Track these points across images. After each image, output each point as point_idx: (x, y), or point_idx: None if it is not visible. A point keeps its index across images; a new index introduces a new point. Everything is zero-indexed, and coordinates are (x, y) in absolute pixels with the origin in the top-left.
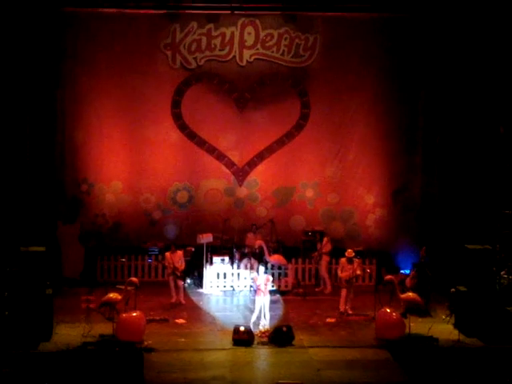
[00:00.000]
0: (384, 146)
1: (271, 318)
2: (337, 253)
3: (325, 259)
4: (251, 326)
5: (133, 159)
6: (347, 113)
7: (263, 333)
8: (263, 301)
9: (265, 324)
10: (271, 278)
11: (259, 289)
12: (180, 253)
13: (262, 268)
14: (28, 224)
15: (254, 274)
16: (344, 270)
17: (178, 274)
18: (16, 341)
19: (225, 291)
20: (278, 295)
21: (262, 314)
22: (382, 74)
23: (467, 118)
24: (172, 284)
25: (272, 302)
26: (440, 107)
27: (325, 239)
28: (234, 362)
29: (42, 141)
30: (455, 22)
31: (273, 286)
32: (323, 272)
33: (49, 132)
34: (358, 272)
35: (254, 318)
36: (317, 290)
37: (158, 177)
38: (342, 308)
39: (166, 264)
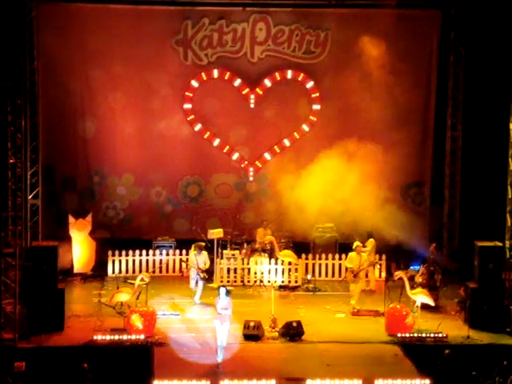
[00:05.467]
0: (395, 142)
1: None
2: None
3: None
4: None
5: (144, 153)
6: (358, 109)
7: (273, 328)
8: (222, 328)
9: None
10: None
11: (219, 313)
12: (205, 253)
13: (223, 290)
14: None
15: (216, 297)
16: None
17: (202, 276)
18: (28, 335)
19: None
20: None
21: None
22: (392, 70)
23: (479, 114)
24: (194, 284)
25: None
26: (452, 105)
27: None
28: (244, 357)
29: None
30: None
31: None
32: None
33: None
34: (365, 265)
35: (219, 345)
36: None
37: (169, 170)
38: (352, 303)
39: (191, 265)
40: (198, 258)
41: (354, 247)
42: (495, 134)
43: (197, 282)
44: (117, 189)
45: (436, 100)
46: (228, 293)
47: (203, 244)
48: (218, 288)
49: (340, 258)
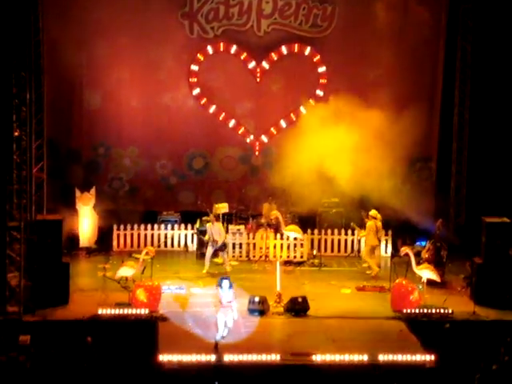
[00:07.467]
0: (401, 116)
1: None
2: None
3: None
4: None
5: (150, 125)
6: (365, 83)
7: (278, 303)
8: (226, 319)
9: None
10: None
11: (223, 306)
12: (219, 224)
13: (226, 283)
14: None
15: (218, 289)
16: None
17: (216, 247)
18: (33, 308)
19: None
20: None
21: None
22: (399, 45)
23: (487, 88)
24: (209, 254)
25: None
26: (460, 80)
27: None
28: (249, 332)
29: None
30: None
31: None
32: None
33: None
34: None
35: (218, 336)
36: None
37: (174, 143)
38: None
39: (206, 238)
40: (213, 230)
41: (370, 214)
42: (503, 108)
43: (216, 255)
44: (122, 160)
45: (444, 75)
46: (231, 286)
47: (212, 215)
48: (220, 280)
49: (346, 234)
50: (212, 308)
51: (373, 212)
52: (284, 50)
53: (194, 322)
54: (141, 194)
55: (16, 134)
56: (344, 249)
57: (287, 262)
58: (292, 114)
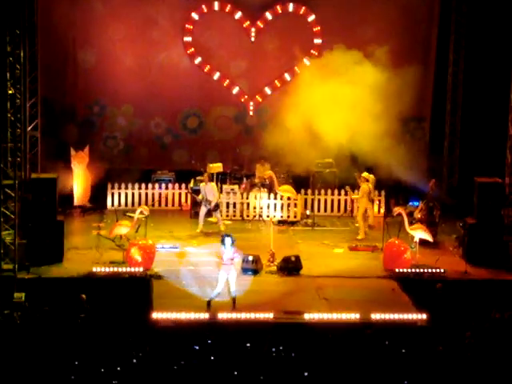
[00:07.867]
0: (396, 75)
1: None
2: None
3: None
4: (212, 296)
5: (144, 84)
6: (359, 42)
7: (271, 262)
8: (230, 277)
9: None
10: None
11: (224, 263)
12: (213, 184)
13: (228, 240)
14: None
15: (221, 247)
16: None
17: (209, 207)
18: (27, 266)
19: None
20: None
21: (227, 288)
22: (394, 4)
23: (482, 49)
24: (202, 214)
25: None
26: (454, 40)
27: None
28: (243, 290)
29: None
30: None
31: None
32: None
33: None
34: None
35: (215, 293)
36: None
37: (168, 102)
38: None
39: (200, 197)
40: (206, 190)
41: (362, 176)
42: (497, 69)
43: (210, 215)
44: (117, 119)
45: (439, 35)
46: (233, 242)
47: (206, 175)
48: (223, 237)
49: (339, 194)
50: (207, 267)
51: (365, 174)
52: (279, 9)
53: (188, 280)
54: (135, 153)
55: (10, 92)
56: (337, 209)
57: (281, 222)
58: (286, 74)
